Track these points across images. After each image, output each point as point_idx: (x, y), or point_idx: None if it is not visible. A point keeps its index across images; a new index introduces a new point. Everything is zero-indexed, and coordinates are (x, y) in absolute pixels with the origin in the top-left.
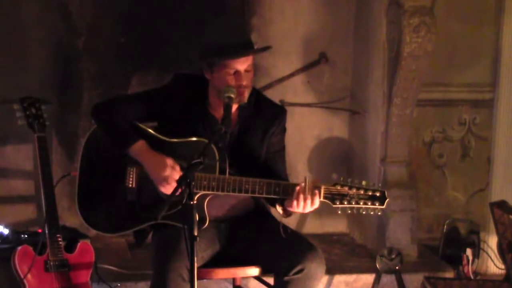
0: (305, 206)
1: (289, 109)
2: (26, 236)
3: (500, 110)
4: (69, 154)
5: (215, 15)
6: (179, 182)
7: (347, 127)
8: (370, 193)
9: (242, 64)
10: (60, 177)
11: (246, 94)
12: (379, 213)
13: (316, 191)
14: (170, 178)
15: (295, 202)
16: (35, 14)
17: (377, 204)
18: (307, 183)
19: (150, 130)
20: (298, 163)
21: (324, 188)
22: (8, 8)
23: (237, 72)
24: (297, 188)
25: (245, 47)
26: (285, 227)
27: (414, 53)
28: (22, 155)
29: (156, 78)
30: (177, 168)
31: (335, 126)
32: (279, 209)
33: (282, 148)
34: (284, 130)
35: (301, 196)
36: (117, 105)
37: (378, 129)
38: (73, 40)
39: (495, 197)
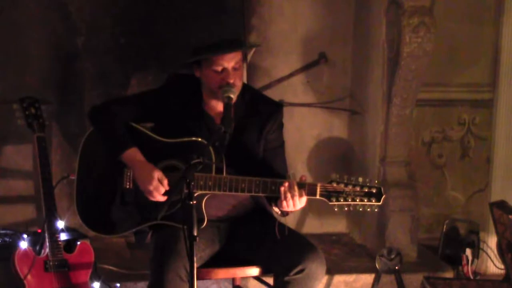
0: (294, 203)
1: (288, 109)
2: (26, 236)
3: (499, 110)
4: (68, 154)
5: (215, 15)
6: (179, 181)
7: (347, 127)
8: (366, 190)
9: (229, 61)
10: (59, 178)
11: (236, 93)
12: (376, 210)
13: (297, 187)
14: (155, 191)
15: (284, 202)
16: (35, 14)
17: (373, 201)
18: (290, 180)
19: (147, 131)
20: (297, 163)
21: (320, 186)
22: (8, 8)
23: (224, 70)
24: (281, 188)
25: (230, 44)
26: (282, 227)
27: (413, 53)
28: (21, 155)
29: (155, 78)
30: (165, 182)
31: (335, 126)
32: (275, 209)
33: (281, 144)
34: (281, 125)
35: (288, 195)
36: (114, 108)
37: (378, 129)
38: (73, 40)
39: (495, 197)
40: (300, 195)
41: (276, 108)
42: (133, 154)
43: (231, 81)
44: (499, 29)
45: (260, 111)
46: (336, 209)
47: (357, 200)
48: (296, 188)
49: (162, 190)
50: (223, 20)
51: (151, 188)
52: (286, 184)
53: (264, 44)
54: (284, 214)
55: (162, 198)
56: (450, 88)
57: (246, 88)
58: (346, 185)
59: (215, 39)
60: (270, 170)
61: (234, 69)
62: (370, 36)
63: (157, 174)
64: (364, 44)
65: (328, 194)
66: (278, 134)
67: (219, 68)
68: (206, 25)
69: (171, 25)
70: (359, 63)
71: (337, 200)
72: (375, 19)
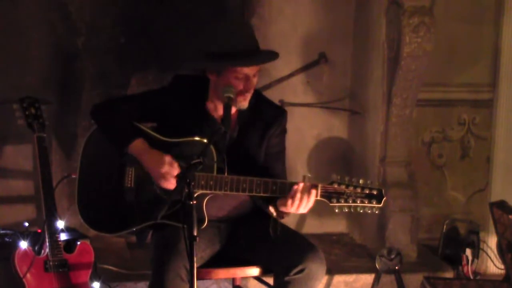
0: (300, 205)
1: (288, 109)
2: (26, 236)
3: (499, 110)
4: (68, 154)
5: (214, 15)
6: (179, 181)
7: (347, 127)
8: (367, 192)
9: (252, 70)
10: (59, 178)
11: (248, 99)
12: (377, 212)
13: (313, 191)
14: (168, 174)
15: (290, 201)
16: (35, 14)
17: (374, 203)
18: (305, 182)
19: (149, 130)
20: (297, 163)
21: (321, 187)
22: (7, 8)
23: (246, 77)
24: (295, 186)
25: (257, 54)
26: (275, 226)
27: (413, 53)
28: (21, 155)
29: (156, 78)
30: (175, 165)
31: (335, 126)
32: (272, 210)
33: (282, 150)
34: (284, 131)
35: (298, 195)
36: (116, 105)
37: (378, 129)
38: (73, 40)
39: (495, 197)
40: (309, 199)
41: (281, 113)
42: (140, 144)
43: (251, 88)
44: (499, 29)
45: (264, 115)
46: (336, 210)
47: (358, 202)
48: (307, 190)
49: (175, 172)
50: (237, 23)
51: (164, 171)
52: (301, 184)
53: (264, 44)
54: (281, 216)
55: (174, 182)
56: (450, 88)
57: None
58: (347, 186)
59: (243, 47)
60: (270, 174)
61: (254, 76)
62: (370, 36)
63: (167, 158)
64: (364, 44)
65: (329, 195)
66: (280, 139)
67: (241, 76)
68: (225, 27)
69: (171, 25)
70: (359, 63)
71: (338, 201)
72: (375, 19)
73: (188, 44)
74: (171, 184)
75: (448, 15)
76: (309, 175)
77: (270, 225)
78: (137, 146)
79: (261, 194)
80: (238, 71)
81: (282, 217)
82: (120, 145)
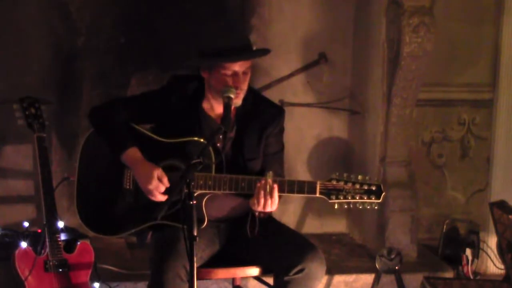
0: (266, 203)
1: (288, 109)
2: (26, 236)
3: (499, 110)
4: (68, 154)
5: (214, 15)
6: (179, 181)
7: (347, 127)
8: (366, 188)
9: (241, 67)
10: (60, 178)
11: (241, 97)
12: (376, 207)
13: (275, 186)
14: (155, 190)
15: (255, 200)
16: (35, 14)
17: (373, 198)
18: (268, 179)
19: (147, 132)
20: (297, 163)
21: (320, 184)
22: (7, 8)
23: (235, 74)
24: (257, 184)
25: (245, 50)
26: (253, 226)
27: (413, 53)
28: (21, 155)
29: (156, 78)
30: (165, 180)
31: (335, 126)
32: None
33: (280, 150)
34: (282, 130)
35: (262, 193)
36: (114, 108)
37: (378, 129)
38: (73, 40)
39: (495, 197)
40: (272, 196)
41: (279, 112)
42: (133, 154)
43: (240, 85)
44: (499, 29)
45: (262, 114)
46: (336, 207)
47: (357, 198)
48: (274, 187)
49: (162, 188)
50: (231, 23)
51: (151, 187)
52: (263, 181)
53: (264, 44)
54: (260, 215)
55: (163, 198)
56: (450, 88)
57: (248, 90)
58: (345, 182)
59: (232, 44)
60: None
61: (244, 73)
62: (370, 36)
63: (157, 172)
64: (364, 44)
65: (328, 192)
66: (278, 138)
67: (230, 72)
68: (216, 26)
69: (171, 25)
70: (359, 63)
71: (337, 198)
72: (375, 19)
73: (188, 44)
74: (157, 199)
75: (448, 15)
76: (271, 172)
77: (248, 225)
78: (130, 155)
79: (232, 192)
80: (226, 67)
81: (261, 216)
82: (114, 153)
